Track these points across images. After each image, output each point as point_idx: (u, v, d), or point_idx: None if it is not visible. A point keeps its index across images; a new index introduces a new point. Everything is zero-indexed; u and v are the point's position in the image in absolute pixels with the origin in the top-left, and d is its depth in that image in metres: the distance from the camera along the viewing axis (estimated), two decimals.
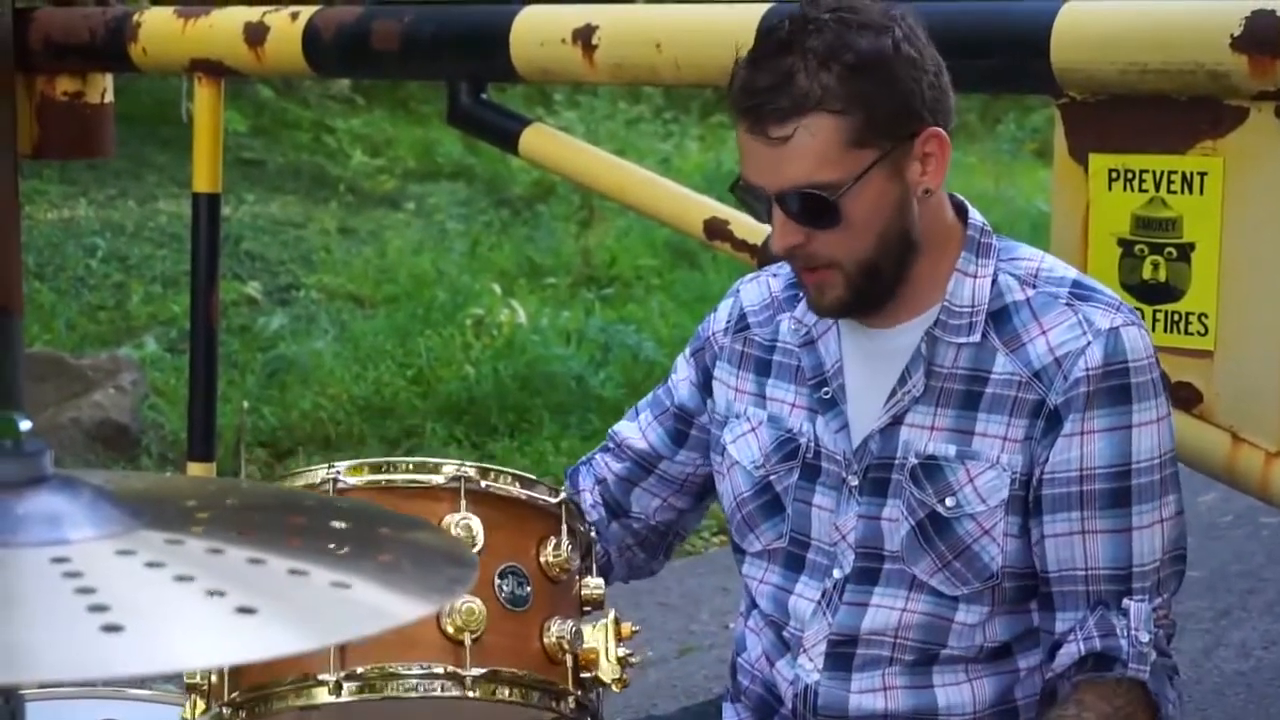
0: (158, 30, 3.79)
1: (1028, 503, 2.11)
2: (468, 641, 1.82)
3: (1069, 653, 2.09)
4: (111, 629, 1.06)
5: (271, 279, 8.76)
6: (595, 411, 7.06)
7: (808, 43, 2.03)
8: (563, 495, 1.99)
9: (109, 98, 4.14)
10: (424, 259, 9.16)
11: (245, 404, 6.72)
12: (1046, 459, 2.08)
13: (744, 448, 2.28)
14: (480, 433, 7.02)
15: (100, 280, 8.39)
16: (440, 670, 1.81)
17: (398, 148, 11.62)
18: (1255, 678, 4.78)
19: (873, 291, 2.13)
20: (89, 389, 6.56)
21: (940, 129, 2.09)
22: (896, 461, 2.15)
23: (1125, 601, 2.08)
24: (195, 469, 3.99)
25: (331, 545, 1.23)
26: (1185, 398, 2.54)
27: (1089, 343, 2.08)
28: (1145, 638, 2.08)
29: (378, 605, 1.15)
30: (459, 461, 1.93)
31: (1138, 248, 2.60)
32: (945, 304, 2.14)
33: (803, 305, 2.24)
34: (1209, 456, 2.56)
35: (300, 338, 7.84)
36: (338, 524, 1.30)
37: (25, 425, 1.20)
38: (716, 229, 3.20)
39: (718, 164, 11.16)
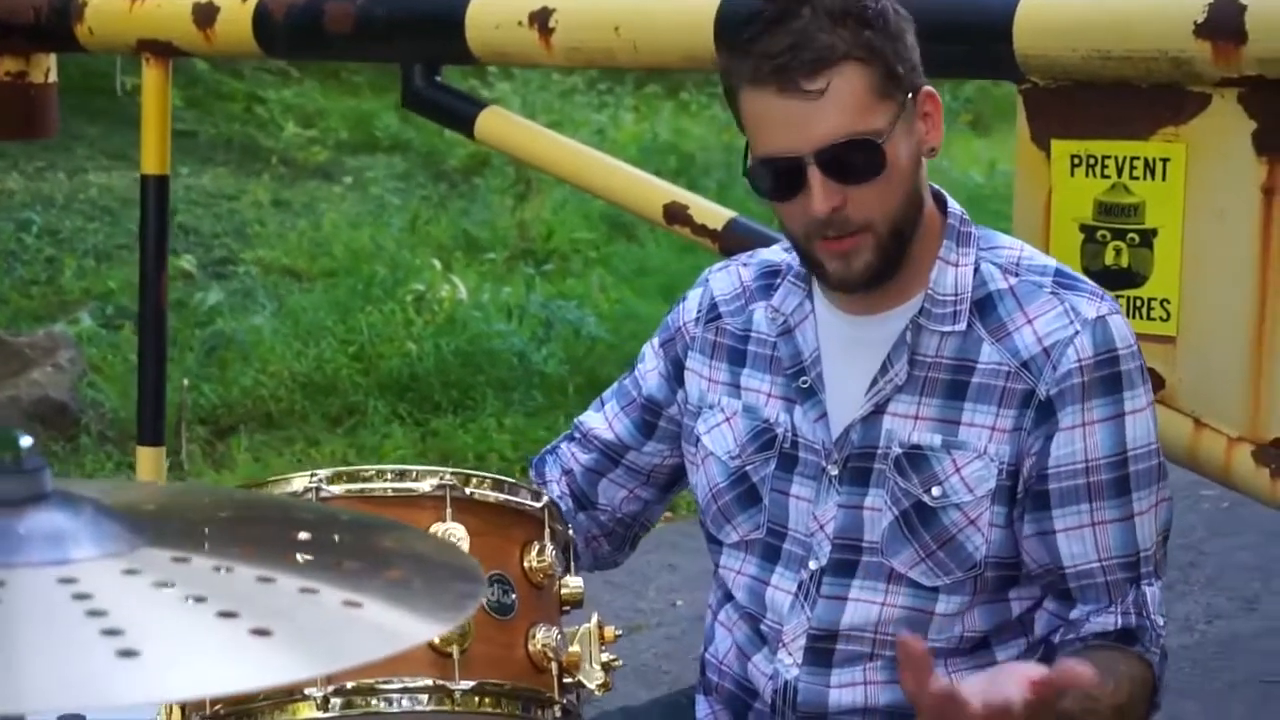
0: (104, 10, 3.74)
1: (1015, 493, 2.11)
2: (455, 654, 1.79)
3: (1104, 622, 2.09)
4: (127, 654, 1.02)
5: (206, 253, 8.67)
6: (538, 388, 7.04)
7: (815, 2, 2.02)
8: (545, 499, 1.96)
9: (53, 77, 4.08)
10: (362, 233, 9.08)
11: (185, 382, 6.66)
12: (1046, 453, 2.08)
13: (719, 438, 2.27)
14: (423, 410, 6.99)
15: (33, 255, 8.28)
16: (428, 684, 1.78)
17: (329, 119, 11.51)
18: (1199, 652, 4.83)
19: (896, 258, 2.10)
20: (27, 367, 6.48)
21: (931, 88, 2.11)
22: (879, 451, 2.14)
23: (1142, 586, 2.10)
24: (145, 454, 3.95)
25: (339, 561, 1.21)
26: None
27: (1077, 332, 2.09)
28: (1161, 622, 2.11)
29: (391, 626, 1.13)
30: (440, 469, 1.89)
31: (1100, 233, 2.60)
32: (929, 293, 2.13)
33: (780, 294, 2.24)
34: (1171, 442, 2.57)
35: (238, 313, 7.77)
36: (338, 537, 1.28)
37: (26, 441, 1.17)
38: (676, 213, 3.18)
39: (653, 135, 11.12)
